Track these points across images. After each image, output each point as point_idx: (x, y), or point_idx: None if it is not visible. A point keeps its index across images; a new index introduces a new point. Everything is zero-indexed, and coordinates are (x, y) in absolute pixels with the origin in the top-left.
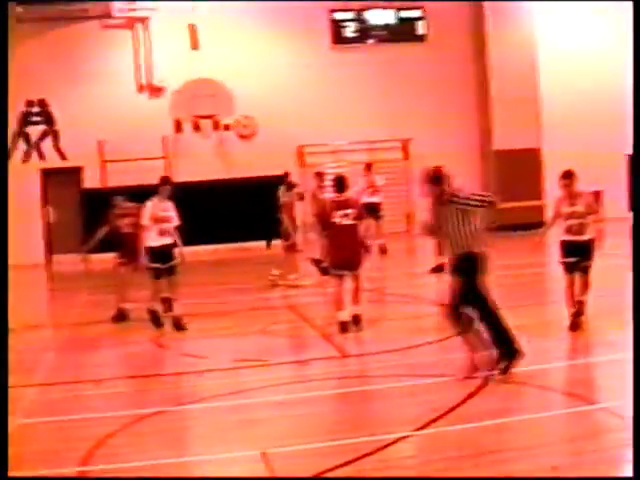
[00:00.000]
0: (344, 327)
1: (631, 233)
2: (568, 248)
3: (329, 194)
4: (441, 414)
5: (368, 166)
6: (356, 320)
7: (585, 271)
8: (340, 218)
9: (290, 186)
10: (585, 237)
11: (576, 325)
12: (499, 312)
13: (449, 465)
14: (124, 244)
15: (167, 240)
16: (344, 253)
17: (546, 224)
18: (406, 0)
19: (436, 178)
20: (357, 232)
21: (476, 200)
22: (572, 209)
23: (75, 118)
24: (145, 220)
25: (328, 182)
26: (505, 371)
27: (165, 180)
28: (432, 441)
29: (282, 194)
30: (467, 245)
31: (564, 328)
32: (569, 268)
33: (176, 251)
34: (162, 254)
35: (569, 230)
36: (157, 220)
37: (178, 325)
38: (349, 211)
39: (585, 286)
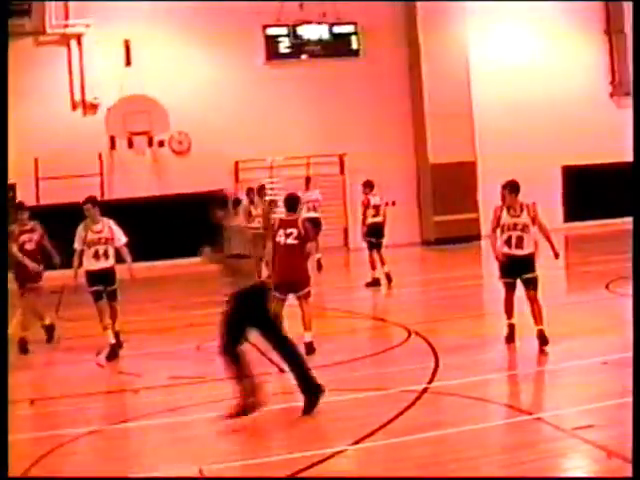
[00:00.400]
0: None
1: (632, 233)
2: (506, 264)
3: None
4: (377, 428)
5: (307, 180)
6: (308, 348)
7: (529, 286)
8: (283, 237)
9: (237, 201)
10: (525, 251)
11: (511, 338)
12: (296, 348)
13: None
14: (20, 265)
15: (105, 263)
16: (285, 274)
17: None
18: (343, 0)
19: (221, 202)
20: (300, 252)
21: (255, 226)
22: (514, 220)
23: (9, 135)
24: (76, 244)
25: (266, 198)
26: (309, 410)
27: (88, 200)
28: (368, 455)
29: (256, 208)
30: (242, 278)
31: (500, 340)
32: (508, 287)
33: (121, 273)
34: (100, 278)
35: (508, 243)
36: (90, 243)
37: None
38: (292, 230)
39: (538, 313)
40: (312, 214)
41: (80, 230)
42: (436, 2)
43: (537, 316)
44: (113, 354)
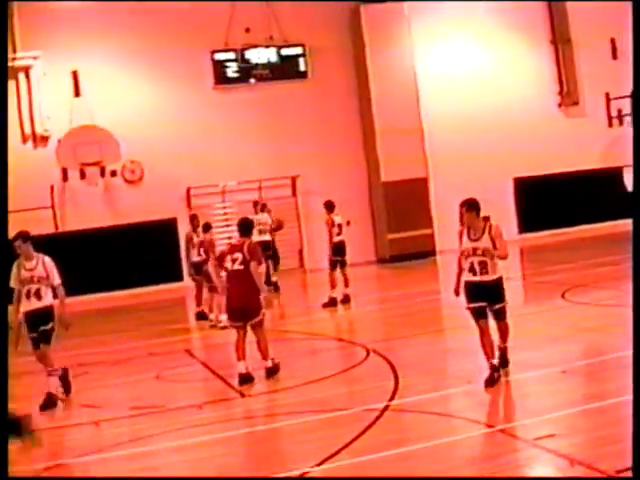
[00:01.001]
0: (241, 379)
1: (632, 234)
2: (473, 291)
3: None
4: (340, 447)
5: (256, 204)
6: (269, 371)
7: (499, 317)
8: (230, 263)
9: (206, 226)
10: (491, 277)
11: (492, 381)
12: None
13: None
14: None
15: (37, 303)
16: (234, 300)
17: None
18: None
19: None
20: (246, 277)
21: None
22: (473, 245)
23: None
24: (11, 282)
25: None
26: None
27: (18, 236)
28: (333, 475)
29: (198, 235)
30: None
31: (459, 354)
32: (476, 314)
33: (54, 314)
34: (34, 320)
35: (471, 270)
36: (24, 282)
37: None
38: (237, 255)
39: (504, 332)
40: (263, 237)
41: (14, 268)
42: (381, 18)
43: (503, 334)
44: (50, 403)
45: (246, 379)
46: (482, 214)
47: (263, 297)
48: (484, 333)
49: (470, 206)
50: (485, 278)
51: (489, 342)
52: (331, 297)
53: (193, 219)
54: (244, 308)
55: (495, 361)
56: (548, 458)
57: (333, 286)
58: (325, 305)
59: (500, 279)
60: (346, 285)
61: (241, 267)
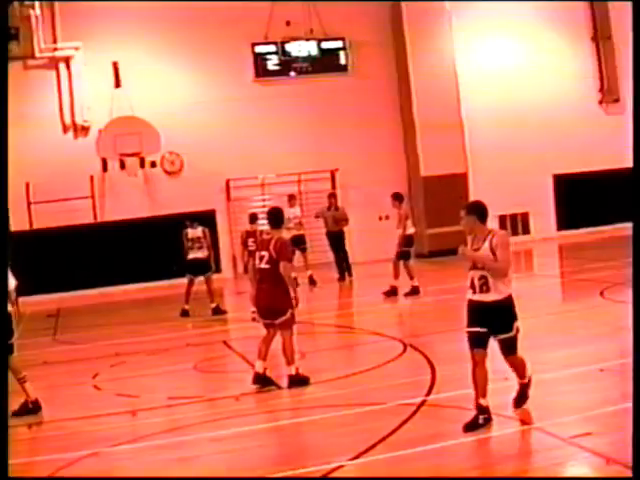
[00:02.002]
0: (254, 378)
1: (632, 236)
2: (471, 312)
3: None
4: (376, 442)
5: (291, 198)
6: (291, 381)
7: (505, 350)
8: (258, 261)
9: (253, 217)
10: (492, 297)
11: (473, 425)
12: None
13: None
14: None
15: None
16: (259, 299)
17: None
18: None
19: None
20: (272, 277)
21: None
22: (473, 254)
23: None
24: None
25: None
26: None
27: None
28: (368, 469)
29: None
30: None
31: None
32: (471, 341)
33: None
34: None
35: (471, 286)
36: None
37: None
38: (264, 254)
39: (518, 367)
40: (298, 232)
41: None
42: (423, 13)
43: (517, 369)
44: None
45: (259, 380)
46: (520, 210)
47: (293, 296)
48: (476, 365)
49: (470, 209)
50: (485, 298)
51: (482, 376)
52: (393, 286)
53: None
54: (269, 307)
55: (483, 401)
56: (584, 456)
57: (396, 276)
58: (386, 293)
59: (506, 300)
60: (411, 277)
61: (267, 266)
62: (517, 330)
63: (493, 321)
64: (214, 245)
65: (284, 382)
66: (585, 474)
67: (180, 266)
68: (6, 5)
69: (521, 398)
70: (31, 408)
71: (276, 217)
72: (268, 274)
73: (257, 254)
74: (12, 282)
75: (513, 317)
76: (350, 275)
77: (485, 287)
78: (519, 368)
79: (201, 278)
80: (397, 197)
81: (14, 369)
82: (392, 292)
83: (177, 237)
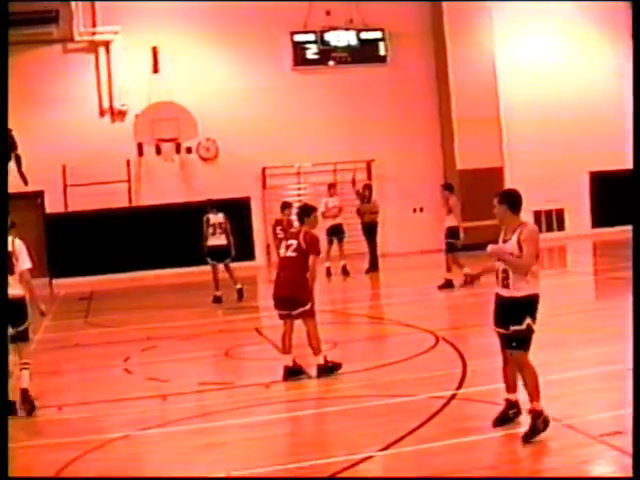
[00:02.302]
0: (285, 372)
1: (632, 237)
2: (495, 306)
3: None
4: (405, 434)
5: (330, 187)
6: (320, 370)
7: (509, 346)
8: (284, 250)
9: (284, 205)
10: (510, 293)
11: (502, 420)
12: None
13: None
14: None
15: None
16: (277, 288)
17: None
18: (371, 0)
19: None
20: (296, 266)
21: None
22: (492, 249)
23: (37, 142)
24: None
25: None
26: None
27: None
28: (396, 461)
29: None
30: None
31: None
32: (500, 341)
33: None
34: (9, 314)
35: (496, 277)
36: None
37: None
38: (292, 242)
39: (524, 377)
40: (335, 221)
41: None
42: (463, 7)
43: (528, 382)
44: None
45: (292, 372)
46: (556, 206)
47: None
48: (506, 363)
49: (501, 198)
50: (504, 293)
51: (511, 373)
52: (446, 279)
53: (210, 202)
54: (288, 297)
55: (512, 396)
56: (613, 455)
57: (449, 269)
58: (440, 287)
59: (524, 299)
60: (460, 267)
61: (293, 254)
62: (529, 328)
63: (506, 317)
64: (248, 233)
65: (313, 371)
66: (613, 473)
67: (201, 252)
68: (6, 5)
69: (532, 432)
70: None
71: (302, 214)
72: (292, 263)
73: (284, 242)
74: (27, 264)
75: (528, 313)
76: (375, 269)
77: (506, 282)
78: (528, 381)
79: (220, 265)
80: (447, 187)
81: (22, 354)
82: (447, 285)
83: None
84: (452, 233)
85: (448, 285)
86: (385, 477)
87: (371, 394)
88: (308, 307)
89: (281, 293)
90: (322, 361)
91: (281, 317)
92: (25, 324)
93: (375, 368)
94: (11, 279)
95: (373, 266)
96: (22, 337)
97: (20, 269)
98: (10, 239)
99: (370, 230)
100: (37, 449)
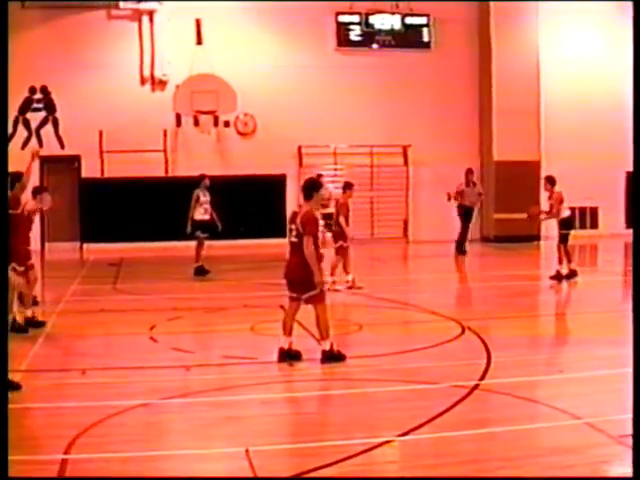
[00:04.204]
0: (280, 355)
1: (633, 238)
2: None
3: None
4: (425, 421)
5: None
6: (324, 356)
7: None
8: (288, 233)
9: (347, 185)
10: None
11: None
12: None
13: (427, 473)
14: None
15: None
16: (288, 272)
17: None
18: (414, 0)
19: None
20: (300, 252)
21: None
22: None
23: (76, 107)
24: None
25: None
26: None
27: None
28: (414, 448)
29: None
30: None
31: (553, 341)
32: None
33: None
34: None
35: None
36: None
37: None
38: (292, 227)
39: None
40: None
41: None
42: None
43: None
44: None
45: (286, 356)
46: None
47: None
48: None
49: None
50: None
51: None
52: (557, 270)
53: (203, 177)
54: (296, 280)
55: None
56: (631, 457)
57: (561, 261)
58: (552, 277)
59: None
60: (569, 260)
61: (295, 240)
62: None
63: None
64: (281, 210)
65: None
66: (631, 474)
67: (224, 226)
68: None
69: None
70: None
71: (308, 189)
72: (296, 248)
73: (289, 226)
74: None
75: None
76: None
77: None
78: None
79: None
80: (550, 180)
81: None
82: (557, 277)
83: (246, 197)
84: (563, 224)
85: (558, 277)
86: (365, 477)
87: (393, 379)
88: (317, 292)
89: (290, 276)
90: (328, 347)
91: (290, 299)
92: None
93: (399, 353)
94: None
95: (461, 249)
96: None
97: None
98: None
99: (468, 213)
100: (59, 410)
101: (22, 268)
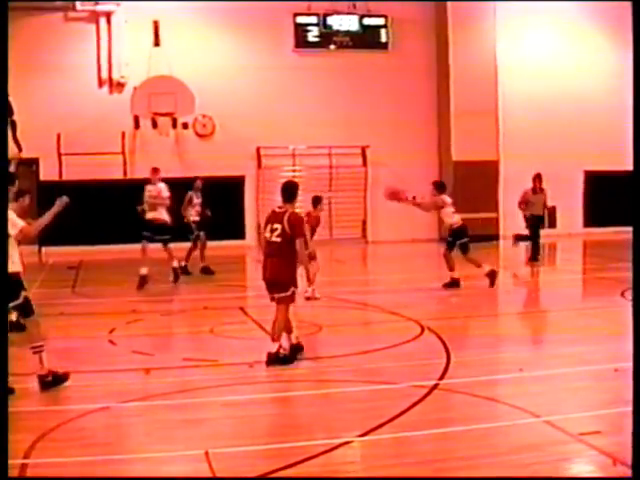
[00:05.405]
0: (290, 352)
1: (632, 238)
2: None
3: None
4: (385, 421)
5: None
6: (270, 359)
7: None
8: (269, 233)
9: (316, 200)
10: None
11: None
12: None
13: (388, 473)
14: None
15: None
16: (265, 273)
17: None
18: (371, 0)
19: None
20: (282, 251)
21: None
22: None
23: (34, 109)
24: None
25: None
26: None
27: None
28: (374, 448)
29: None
30: None
31: (513, 340)
32: None
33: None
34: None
35: None
36: None
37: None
38: (277, 226)
39: None
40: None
41: None
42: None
43: None
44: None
45: (295, 350)
46: (549, 203)
47: (304, 269)
48: None
49: None
50: None
51: None
52: (453, 278)
53: (197, 179)
54: (274, 281)
55: None
56: (591, 454)
57: (451, 268)
58: (446, 285)
59: None
60: (478, 265)
61: (278, 239)
62: None
63: None
64: (240, 212)
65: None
66: (590, 473)
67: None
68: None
69: None
70: (50, 380)
71: (289, 190)
72: (277, 248)
73: (268, 226)
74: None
75: None
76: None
77: None
78: None
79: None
80: (437, 186)
81: (32, 335)
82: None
83: (205, 199)
84: (455, 233)
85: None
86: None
87: (353, 379)
88: (289, 293)
89: (269, 277)
90: (275, 350)
91: (272, 300)
92: (19, 297)
93: (359, 354)
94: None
95: (536, 256)
96: (28, 311)
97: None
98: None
99: (537, 223)
100: (17, 415)
101: None
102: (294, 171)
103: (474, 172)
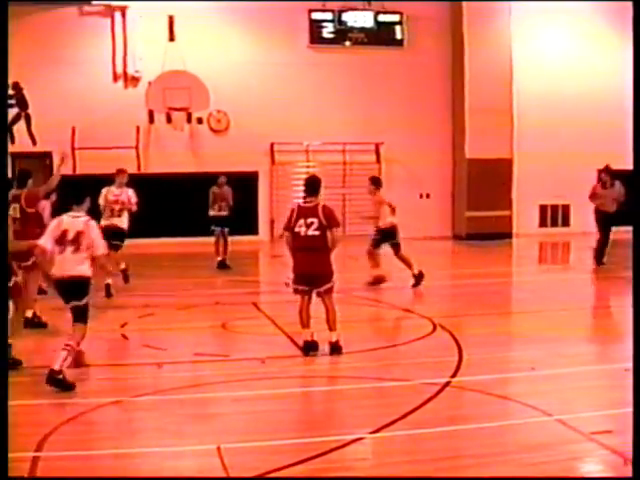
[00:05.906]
0: (306, 346)
1: (633, 238)
2: None
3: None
4: (397, 418)
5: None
6: (333, 348)
7: None
8: (304, 228)
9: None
10: None
11: None
12: None
13: (400, 470)
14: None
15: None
16: (305, 267)
17: None
18: (386, 0)
19: None
20: (322, 244)
21: None
22: None
23: (48, 103)
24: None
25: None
26: None
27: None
28: (386, 445)
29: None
30: None
31: (525, 338)
32: None
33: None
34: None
35: None
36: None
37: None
38: (313, 220)
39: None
40: None
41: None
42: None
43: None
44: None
45: (311, 347)
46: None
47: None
48: None
49: None
50: None
51: None
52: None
53: (220, 176)
54: (313, 275)
55: None
56: (602, 454)
57: (374, 266)
58: (370, 283)
59: None
60: (409, 265)
61: (317, 233)
62: None
63: None
64: (253, 207)
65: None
66: (601, 472)
67: (205, 222)
68: (6, 5)
69: None
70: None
71: (314, 185)
72: (317, 241)
73: (302, 221)
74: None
75: None
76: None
77: None
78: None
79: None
80: (374, 181)
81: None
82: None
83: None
84: (377, 231)
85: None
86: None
87: (365, 376)
88: (332, 284)
89: (310, 271)
90: (335, 339)
91: (298, 292)
92: (83, 299)
93: (371, 350)
94: (75, 257)
95: (600, 259)
96: (78, 315)
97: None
98: (84, 218)
99: (605, 219)
100: (30, 408)
101: (29, 262)
102: (308, 167)
103: (488, 170)
